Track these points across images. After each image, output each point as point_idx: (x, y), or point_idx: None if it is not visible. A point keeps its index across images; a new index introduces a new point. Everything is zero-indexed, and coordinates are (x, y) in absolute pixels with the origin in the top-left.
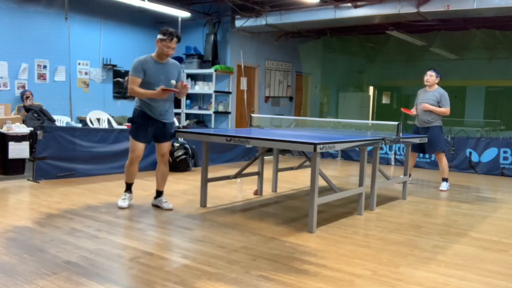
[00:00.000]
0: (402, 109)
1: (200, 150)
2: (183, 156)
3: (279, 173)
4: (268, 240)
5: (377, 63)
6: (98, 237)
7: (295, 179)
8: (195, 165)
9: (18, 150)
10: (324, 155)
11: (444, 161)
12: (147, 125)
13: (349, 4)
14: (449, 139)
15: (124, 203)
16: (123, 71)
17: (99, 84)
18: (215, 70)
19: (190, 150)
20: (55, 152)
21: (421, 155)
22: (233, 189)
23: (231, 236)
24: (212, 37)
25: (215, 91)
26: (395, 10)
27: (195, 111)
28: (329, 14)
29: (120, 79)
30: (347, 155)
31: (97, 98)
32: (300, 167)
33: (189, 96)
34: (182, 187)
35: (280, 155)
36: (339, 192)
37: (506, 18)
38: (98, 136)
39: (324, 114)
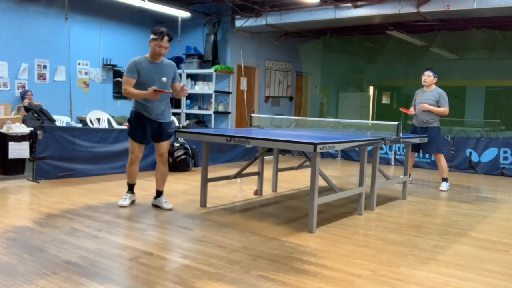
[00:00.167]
0: (400, 109)
1: (200, 150)
2: (183, 156)
3: (279, 173)
4: (268, 240)
5: (377, 63)
6: (98, 237)
7: (295, 179)
8: (195, 165)
9: (18, 150)
10: (324, 155)
11: (443, 161)
12: (144, 126)
13: (349, 4)
14: (449, 139)
15: (125, 202)
16: (123, 71)
17: (99, 84)
18: (215, 70)
19: (190, 150)
20: (55, 152)
21: (421, 155)
22: (233, 189)
23: (231, 236)
24: (212, 37)
25: (215, 91)
26: (395, 10)
27: (195, 111)
28: (329, 14)
29: (120, 79)
30: (347, 155)
31: (97, 98)
32: (300, 167)
33: (189, 96)
34: (182, 187)
35: (280, 155)
36: (339, 192)
37: (506, 18)
38: (98, 136)
39: (324, 114)
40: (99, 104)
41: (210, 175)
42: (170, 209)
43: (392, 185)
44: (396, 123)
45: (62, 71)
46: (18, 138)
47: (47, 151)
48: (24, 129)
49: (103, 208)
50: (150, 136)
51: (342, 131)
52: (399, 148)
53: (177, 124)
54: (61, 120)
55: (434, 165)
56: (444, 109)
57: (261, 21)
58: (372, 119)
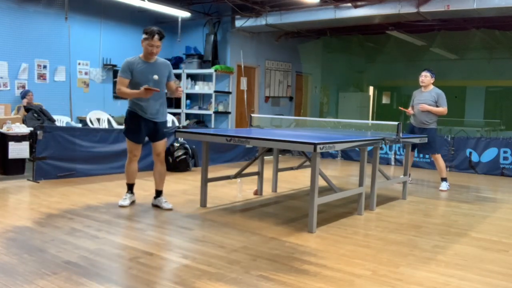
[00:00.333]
0: (400, 108)
1: (200, 150)
2: (183, 156)
3: (279, 173)
4: (268, 240)
5: (377, 63)
6: (98, 237)
7: (295, 179)
8: (195, 165)
9: (18, 150)
10: (324, 155)
11: (440, 162)
12: (139, 125)
13: (349, 4)
14: (449, 139)
15: (125, 202)
16: None
17: (99, 84)
18: (215, 70)
19: (190, 150)
20: (55, 152)
21: (421, 155)
22: (233, 189)
23: (231, 236)
24: (212, 37)
25: (215, 91)
26: (395, 10)
27: (195, 111)
28: (329, 14)
29: None
30: (347, 155)
31: (97, 98)
32: (300, 167)
33: (189, 96)
34: (182, 187)
35: (280, 155)
36: (339, 192)
37: (506, 18)
38: (98, 136)
39: (324, 114)
40: (99, 104)
41: (210, 175)
42: (170, 209)
43: (392, 185)
44: (396, 123)
45: (62, 71)
46: (18, 138)
47: (47, 151)
48: (24, 129)
49: (103, 208)
50: (145, 135)
51: (342, 131)
52: (399, 148)
53: (177, 124)
54: (61, 120)
55: (434, 165)
56: (443, 109)
57: (261, 21)
58: (372, 119)
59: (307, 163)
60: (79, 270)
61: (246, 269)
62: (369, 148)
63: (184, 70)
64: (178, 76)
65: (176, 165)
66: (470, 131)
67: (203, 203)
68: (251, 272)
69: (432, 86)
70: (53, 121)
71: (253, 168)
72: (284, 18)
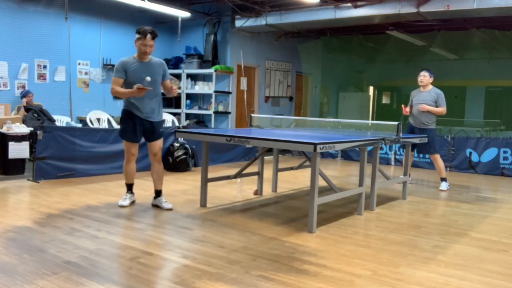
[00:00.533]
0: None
1: (200, 150)
2: (183, 156)
3: (279, 173)
4: (268, 240)
5: (377, 63)
6: (98, 237)
7: (295, 179)
8: (195, 165)
9: (18, 150)
10: (324, 155)
11: (439, 162)
12: (134, 124)
13: (349, 4)
14: (449, 139)
15: (125, 202)
16: None
17: (99, 84)
18: (215, 70)
19: (190, 150)
20: (55, 152)
21: (421, 155)
22: (233, 189)
23: (231, 236)
24: (212, 37)
25: (215, 91)
26: (395, 10)
27: (195, 111)
28: (329, 14)
29: None
30: (347, 155)
31: (97, 98)
32: (300, 167)
33: (189, 96)
34: (182, 187)
35: (280, 155)
36: (339, 192)
37: (506, 18)
38: (98, 136)
39: (324, 114)
40: (99, 104)
41: (210, 175)
42: (170, 209)
43: (392, 185)
44: (396, 123)
45: (62, 71)
46: (18, 138)
47: (47, 151)
48: (24, 129)
49: (103, 208)
50: (141, 134)
51: (342, 131)
52: (399, 148)
53: (177, 124)
54: (61, 120)
55: (434, 165)
56: (443, 109)
57: (261, 21)
58: (372, 119)
59: (307, 163)
60: (79, 270)
61: (246, 269)
62: (369, 148)
63: (184, 70)
64: (178, 76)
65: (176, 165)
66: (470, 131)
67: (203, 203)
68: (251, 272)
69: (431, 86)
70: (53, 121)
71: (253, 168)
72: (284, 18)
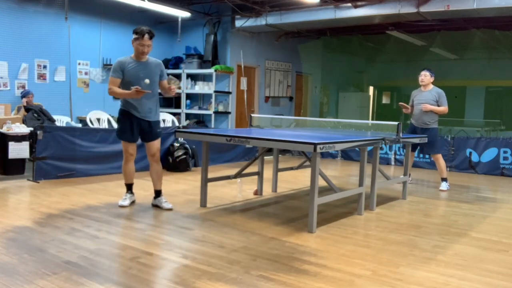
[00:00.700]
0: (400, 104)
1: (200, 150)
2: (183, 156)
3: (279, 173)
4: (268, 240)
5: (377, 63)
6: (98, 237)
7: (295, 179)
8: (195, 165)
9: (18, 150)
10: (324, 155)
11: (441, 162)
12: (131, 124)
13: (349, 4)
14: (449, 139)
15: (125, 202)
16: None
17: (99, 84)
18: (215, 70)
19: (190, 150)
20: (55, 152)
21: (421, 155)
22: (233, 189)
23: (231, 236)
24: (212, 37)
25: (215, 91)
26: (395, 10)
27: (195, 111)
28: (329, 14)
29: None
30: (347, 155)
31: (97, 98)
32: (300, 167)
33: (189, 96)
34: (182, 187)
35: (280, 155)
36: (339, 192)
37: (506, 18)
38: (98, 136)
39: (324, 114)
40: (99, 104)
41: (210, 175)
42: (170, 209)
43: (392, 185)
44: (396, 123)
45: (62, 71)
46: (18, 138)
47: (47, 151)
48: (24, 129)
49: (103, 208)
50: (138, 134)
51: (342, 131)
52: (399, 148)
53: (177, 124)
54: (61, 120)
55: (434, 165)
56: (445, 108)
57: (261, 21)
58: (372, 119)
59: (307, 163)
60: (79, 270)
61: (246, 269)
62: (369, 148)
63: (184, 70)
64: (178, 76)
65: (176, 165)
66: (470, 131)
67: (203, 203)
68: (251, 272)
69: (431, 86)
70: (53, 121)
71: (253, 168)
72: (284, 18)
